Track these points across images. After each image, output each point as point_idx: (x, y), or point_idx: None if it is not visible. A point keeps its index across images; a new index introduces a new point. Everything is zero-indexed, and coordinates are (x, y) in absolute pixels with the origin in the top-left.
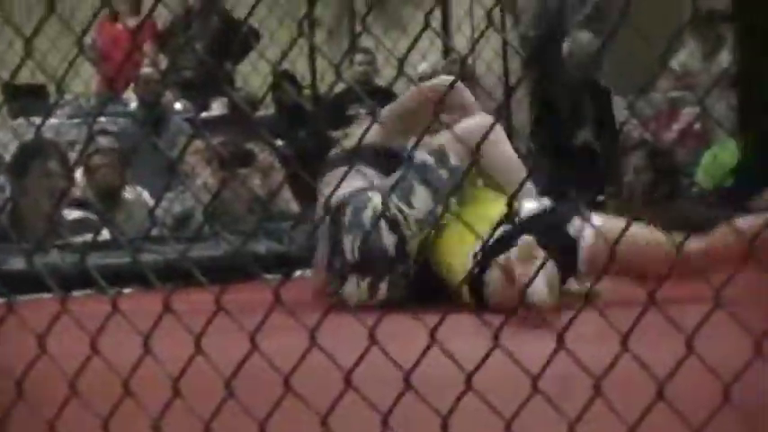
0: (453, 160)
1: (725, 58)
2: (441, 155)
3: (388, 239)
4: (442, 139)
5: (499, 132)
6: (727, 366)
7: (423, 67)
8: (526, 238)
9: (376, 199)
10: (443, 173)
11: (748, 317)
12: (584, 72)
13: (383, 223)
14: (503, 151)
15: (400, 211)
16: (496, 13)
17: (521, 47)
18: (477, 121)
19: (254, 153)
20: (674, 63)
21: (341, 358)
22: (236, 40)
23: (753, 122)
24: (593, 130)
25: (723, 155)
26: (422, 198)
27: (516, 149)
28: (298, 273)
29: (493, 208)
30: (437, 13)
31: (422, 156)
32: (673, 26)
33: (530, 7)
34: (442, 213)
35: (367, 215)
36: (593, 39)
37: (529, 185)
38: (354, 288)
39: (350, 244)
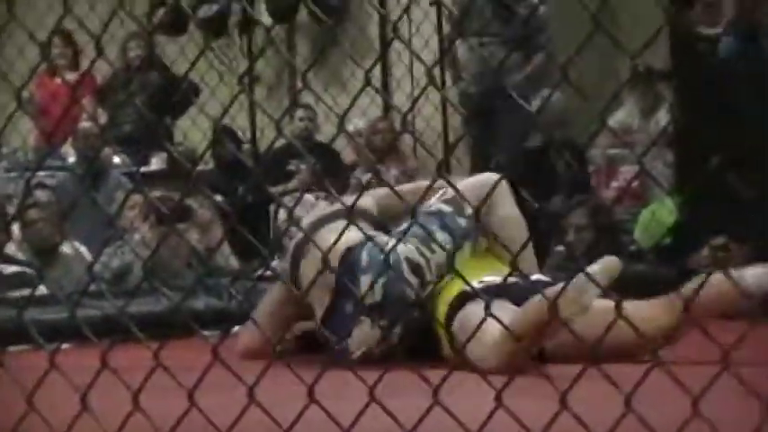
0: (468, 210)
1: (663, 116)
2: (457, 204)
3: (412, 281)
4: (451, 192)
5: (504, 190)
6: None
7: (356, 122)
8: (612, 258)
9: (395, 242)
10: (462, 221)
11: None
12: (557, 131)
13: (405, 265)
14: (508, 209)
15: (422, 254)
16: (436, 69)
17: (461, 104)
18: (483, 177)
19: (193, 208)
20: (613, 121)
21: (279, 415)
22: (175, 95)
23: (690, 180)
24: (567, 193)
25: (661, 213)
26: (442, 242)
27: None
28: (236, 329)
29: (487, 267)
30: (377, 71)
31: (437, 204)
32: (611, 84)
33: (471, 64)
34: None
35: (389, 257)
36: (561, 96)
37: (533, 259)
38: (367, 330)
39: (368, 283)
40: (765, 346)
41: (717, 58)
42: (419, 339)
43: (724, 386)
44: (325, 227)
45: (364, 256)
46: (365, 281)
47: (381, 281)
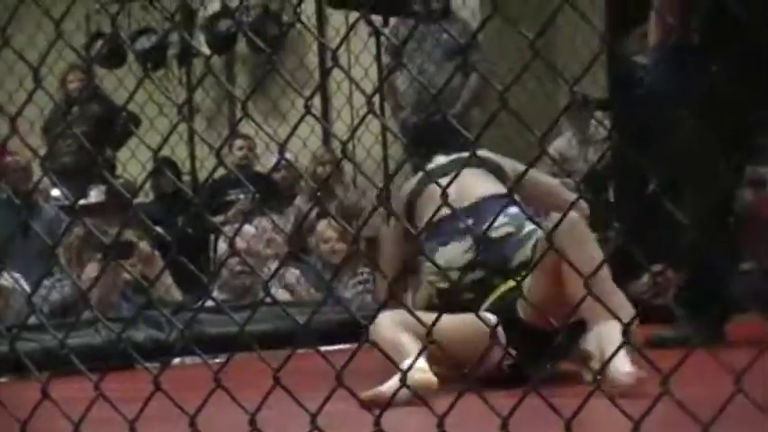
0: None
1: (601, 145)
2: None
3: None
4: None
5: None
6: None
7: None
8: None
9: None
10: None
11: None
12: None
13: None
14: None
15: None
16: (376, 99)
17: (401, 133)
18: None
19: (135, 243)
20: (552, 149)
21: None
22: (115, 126)
23: (628, 208)
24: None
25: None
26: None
27: None
28: (176, 360)
29: None
30: (316, 101)
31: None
32: (550, 113)
33: (410, 94)
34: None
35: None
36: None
37: None
38: (458, 251)
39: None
40: (704, 371)
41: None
42: None
43: (663, 411)
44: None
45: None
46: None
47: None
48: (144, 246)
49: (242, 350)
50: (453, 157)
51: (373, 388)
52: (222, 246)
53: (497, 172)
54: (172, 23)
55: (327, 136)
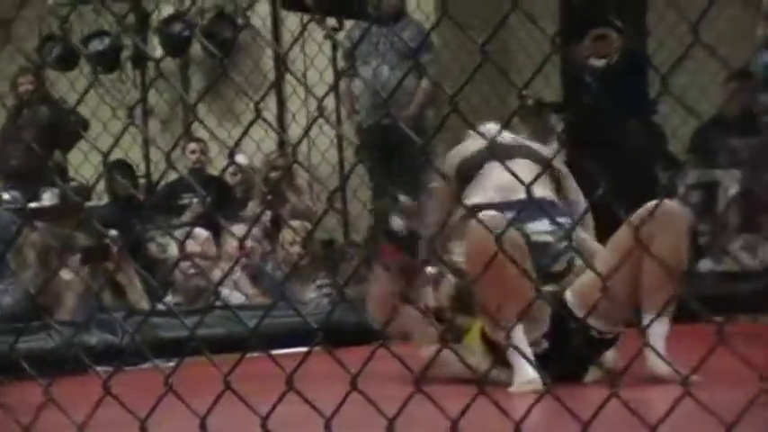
0: None
1: (554, 147)
2: None
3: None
4: None
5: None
6: None
7: (239, 158)
8: None
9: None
10: None
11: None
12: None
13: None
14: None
15: None
16: (332, 103)
17: (357, 136)
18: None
19: (109, 247)
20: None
21: None
22: (64, 129)
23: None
24: None
25: None
26: None
27: (352, 242)
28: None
29: None
30: (272, 104)
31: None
32: (503, 116)
33: (366, 97)
34: None
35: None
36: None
37: None
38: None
39: None
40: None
41: (605, 90)
42: None
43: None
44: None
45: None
46: None
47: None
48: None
49: (194, 354)
50: (513, 137)
51: (324, 390)
52: (174, 249)
53: (542, 162)
54: (122, 26)
55: (283, 140)
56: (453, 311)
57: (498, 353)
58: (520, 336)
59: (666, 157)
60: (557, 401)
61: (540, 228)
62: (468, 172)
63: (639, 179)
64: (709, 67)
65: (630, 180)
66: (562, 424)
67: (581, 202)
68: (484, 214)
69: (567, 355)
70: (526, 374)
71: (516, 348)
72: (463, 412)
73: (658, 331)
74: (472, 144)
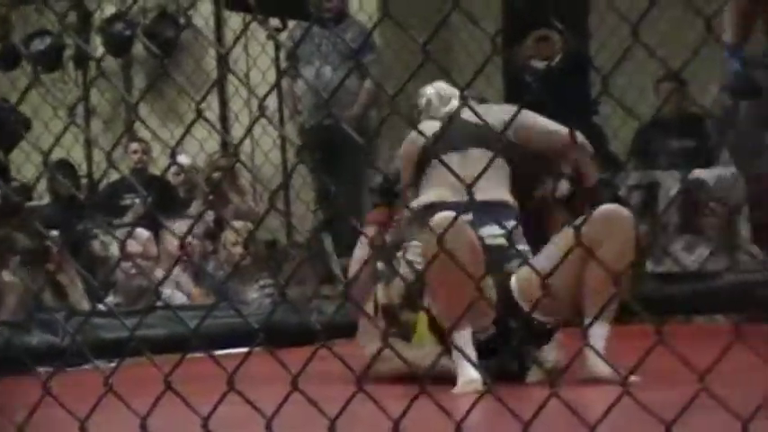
0: None
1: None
2: None
3: None
4: None
5: None
6: None
7: (182, 159)
8: None
9: None
10: None
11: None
12: None
13: None
14: None
15: None
16: (274, 103)
17: (300, 137)
18: None
19: (50, 248)
20: None
21: None
22: (6, 128)
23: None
24: None
25: None
26: None
27: (295, 242)
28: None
29: None
30: (215, 104)
31: None
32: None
33: (308, 97)
34: None
35: None
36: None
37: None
38: None
39: None
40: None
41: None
42: None
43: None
44: None
45: None
46: None
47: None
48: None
49: (136, 355)
50: (465, 117)
51: (266, 391)
52: (115, 249)
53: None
54: (63, 26)
55: (226, 140)
56: (403, 308)
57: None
58: (466, 337)
59: (607, 158)
60: (498, 402)
61: (493, 231)
62: (427, 161)
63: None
64: (648, 68)
65: (572, 179)
66: (503, 423)
67: (560, 130)
68: (441, 215)
69: (511, 342)
70: (468, 375)
71: (461, 351)
72: (405, 412)
73: (599, 332)
74: (430, 126)
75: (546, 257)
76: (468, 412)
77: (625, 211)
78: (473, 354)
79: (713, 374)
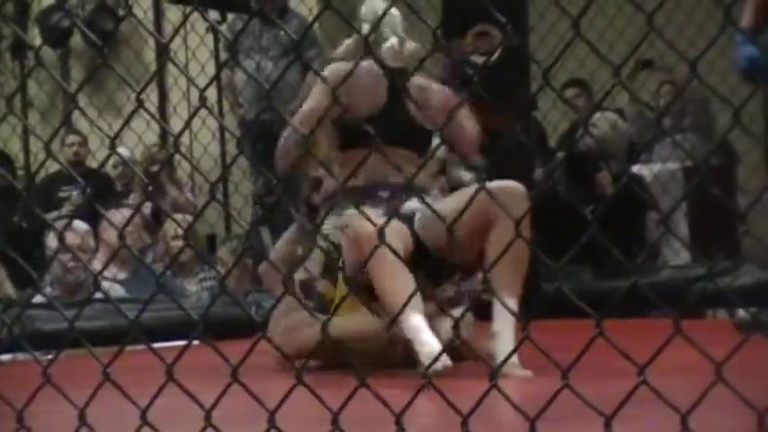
0: None
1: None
2: None
3: None
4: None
5: None
6: None
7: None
8: None
9: None
10: None
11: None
12: None
13: None
14: None
15: None
16: (214, 96)
17: (240, 130)
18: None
19: None
20: None
21: None
22: None
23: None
24: None
25: None
26: None
27: (234, 234)
28: (7, 357)
29: None
30: (153, 97)
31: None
32: None
33: (249, 90)
34: None
35: None
36: None
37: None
38: None
39: None
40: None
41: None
42: None
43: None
44: None
45: None
46: None
47: None
48: None
49: (75, 347)
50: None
51: (206, 383)
52: (53, 241)
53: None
54: (1, 16)
55: (165, 132)
56: (322, 282)
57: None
58: (417, 319)
59: (546, 153)
60: (437, 392)
61: (412, 205)
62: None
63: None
64: (589, 64)
65: (511, 175)
66: (441, 412)
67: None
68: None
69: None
70: (431, 349)
71: (414, 336)
72: (344, 405)
73: (508, 318)
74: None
75: (447, 205)
76: (409, 405)
77: (522, 188)
78: (429, 332)
79: (653, 369)
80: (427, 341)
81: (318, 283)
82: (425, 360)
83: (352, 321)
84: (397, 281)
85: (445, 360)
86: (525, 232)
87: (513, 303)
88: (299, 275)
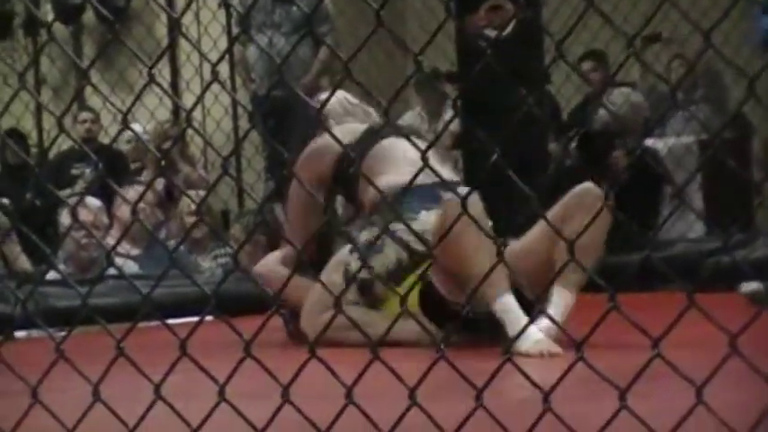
0: None
1: (449, 117)
2: None
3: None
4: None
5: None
6: None
7: (134, 126)
8: None
9: None
10: None
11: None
12: None
13: None
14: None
15: None
16: (226, 71)
17: (252, 105)
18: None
19: None
20: (401, 122)
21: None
22: None
23: (474, 178)
24: None
25: None
26: None
27: (247, 210)
28: (23, 333)
29: None
30: (165, 72)
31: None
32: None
33: (261, 66)
34: None
35: None
36: None
37: None
38: None
39: None
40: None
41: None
42: None
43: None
44: None
45: None
46: None
47: None
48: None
49: (88, 323)
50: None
51: (220, 359)
52: (66, 218)
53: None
54: None
55: (177, 108)
56: (382, 282)
57: (446, 316)
58: (510, 301)
59: (560, 127)
60: (450, 368)
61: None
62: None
63: (533, 148)
64: (603, 36)
65: (524, 149)
66: (456, 386)
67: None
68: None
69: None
70: (532, 335)
71: (508, 314)
72: (358, 378)
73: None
74: (353, 126)
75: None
76: (422, 379)
77: (595, 188)
78: (522, 315)
79: (666, 343)
80: (522, 321)
81: (377, 285)
82: (522, 340)
83: (407, 327)
84: (488, 259)
85: (552, 346)
86: (601, 233)
87: (571, 297)
88: (362, 274)
